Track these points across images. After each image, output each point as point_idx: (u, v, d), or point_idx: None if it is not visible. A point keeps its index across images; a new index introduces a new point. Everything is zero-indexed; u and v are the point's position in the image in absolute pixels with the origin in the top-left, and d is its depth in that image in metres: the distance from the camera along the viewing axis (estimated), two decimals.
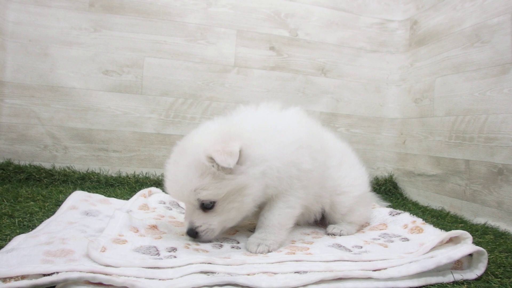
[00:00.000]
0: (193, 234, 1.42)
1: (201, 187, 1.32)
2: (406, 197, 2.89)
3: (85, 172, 2.52)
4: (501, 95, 2.09)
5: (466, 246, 1.30)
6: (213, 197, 1.36)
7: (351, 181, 1.79)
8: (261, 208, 1.52)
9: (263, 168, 1.40)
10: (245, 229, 1.69)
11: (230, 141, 1.34)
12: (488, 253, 1.34)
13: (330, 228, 1.72)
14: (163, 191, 2.19)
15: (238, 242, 1.50)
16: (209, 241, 1.45)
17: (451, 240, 1.39)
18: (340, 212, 1.73)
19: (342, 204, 1.73)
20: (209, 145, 1.33)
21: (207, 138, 1.39)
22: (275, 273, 1.17)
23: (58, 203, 1.84)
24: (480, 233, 1.89)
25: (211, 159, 1.30)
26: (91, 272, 1.03)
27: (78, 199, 1.82)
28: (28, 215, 1.65)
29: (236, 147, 1.32)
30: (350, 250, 1.44)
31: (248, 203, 1.42)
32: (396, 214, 1.88)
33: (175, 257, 1.24)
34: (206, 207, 1.38)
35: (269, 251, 1.40)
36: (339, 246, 1.48)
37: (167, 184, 1.41)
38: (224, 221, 1.43)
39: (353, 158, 1.90)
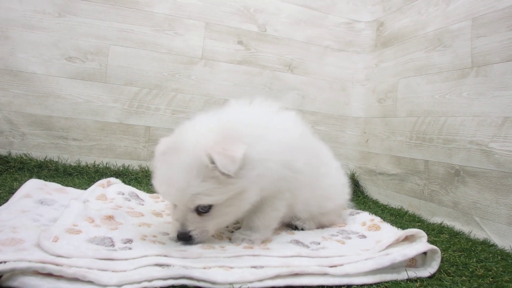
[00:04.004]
0: (186, 238, 1.33)
1: (202, 193, 1.25)
2: (367, 195, 2.94)
3: (42, 160, 2.45)
4: (460, 98, 2.15)
5: (421, 244, 1.33)
6: (214, 202, 1.29)
7: (340, 189, 1.84)
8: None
9: (260, 170, 1.33)
10: None
11: (232, 142, 1.27)
12: (442, 252, 1.37)
13: (294, 220, 1.73)
14: (123, 181, 2.17)
15: None
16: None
17: (407, 239, 1.42)
18: (313, 213, 1.74)
19: (323, 208, 1.74)
20: (210, 145, 1.25)
21: (206, 136, 1.29)
22: (231, 267, 1.17)
23: (12, 191, 1.78)
24: (436, 232, 1.94)
25: (212, 162, 1.23)
26: (40, 262, 1.00)
27: (33, 187, 1.77)
28: None
29: (239, 152, 1.25)
30: (308, 246, 1.45)
31: (244, 207, 1.37)
32: (356, 213, 1.92)
33: (130, 248, 1.22)
34: (202, 210, 1.32)
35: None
36: (297, 242, 1.49)
37: (159, 186, 1.31)
38: (218, 224, 1.39)
39: (339, 166, 1.92)
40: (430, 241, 1.38)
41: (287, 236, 1.59)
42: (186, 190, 1.24)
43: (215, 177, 1.25)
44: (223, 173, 1.23)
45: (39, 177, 2.08)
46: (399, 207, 2.53)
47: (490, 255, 1.60)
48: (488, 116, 1.96)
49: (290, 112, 1.63)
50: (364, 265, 1.23)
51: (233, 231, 1.56)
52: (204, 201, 1.28)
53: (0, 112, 2.44)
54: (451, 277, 1.29)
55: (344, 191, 1.87)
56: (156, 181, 1.32)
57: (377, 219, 1.77)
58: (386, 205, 2.60)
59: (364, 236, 1.62)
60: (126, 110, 2.68)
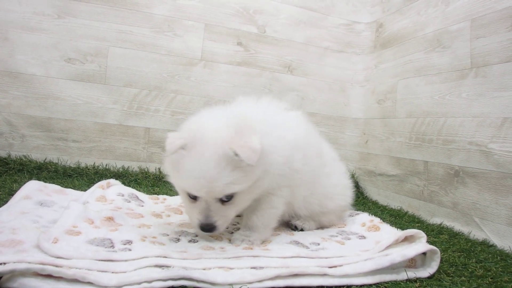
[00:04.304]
0: (211, 228, 1.37)
1: (233, 182, 1.30)
2: (366, 196, 2.94)
3: (42, 162, 2.45)
4: (459, 99, 2.15)
5: (420, 245, 1.33)
6: (241, 189, 1.34)
7: (342, 191, 1.86)
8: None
9: (269, 160, 1.41)
10: None
11: (249, 135, 1.34)
12: (441, 252, 1.38)
13: (294, 220, 1.74)
14: (122, 183, 2.17)
15: (196, 236, 1.49)
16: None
17: (407, 239, 1.42)
18: (314, 211, 1.75)
19: (324, 207, 1.76)
20: (232, 139, 1.31)
21: (225, 131, 1.35)
22: (231, 268, 1.17)
23: (12, 193, 1.78)
24: (436, 233, 1.94)
25: (236, 154, 1.28)
26: (40, 264, 1.00)
27: (32, 189, 1.76)
28: None
29: (258, 144, 1.31)
30: (307, 247, 1.46)
31: (258, 193, 1.44)
32: (355, 214, 1.92)
33: (130, 250, 1.22)
34: (226, 199, 1.36)
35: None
36: (297, 243, 1.49)
37: (187, 179, 1.33)
38: (237, 211, 1.44)
39: (343, 167, 1.95)
40: (429, 242, 1.39)
41: (287, 237, 1.59)
42: (218, 181, 1.29)
43: (241, 167, 1.31)
44: (247, 163, 1.29)
45: (38, 179, 2.09)
46: (399, 207, 2.53)
47: (490, 255, 1.61)
48: (488, 117, 1.96)
49: (296, 111, 1.71)
50: (363, 265, 1.24)
51: (233, 232, 1.57)
52: (233, 189, 1.33)
53: (0, 114, 2.44)
54: (450, 278, 1.29)
55: (346, 193, 1.88)
56: (181, 175, 1.34)
57: (377, 220, 1.78)
58: (385, 206, 2.60)
59: (363, 237, 1.62)
60: (125, 112, 2.68)
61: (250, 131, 1.36)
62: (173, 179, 1.42)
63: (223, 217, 1.38)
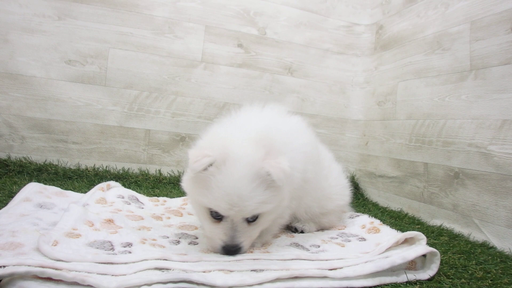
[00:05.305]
0: (236, 250, 1.33)
1: (264, 201, 1.29)
2: (366, 198, 2.94)
3: (42, 164, 2.45)
4: (459, 101, 2.15)
5: (420, 247, 1.33)
6: (271, 209, 1.34)
7: (340, 190, 1.87)
8: None
9: (292, 179, 1.41)
10: None
11: (277, 155, 1.32)
12: (441, 254, 1.38)
13: (294, 222, 1.75)
14: (122, 185, 2.17)
15: (197, 238, 1.49)
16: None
17: (407, 241, 1.42)
18: (314, 214, 1.75)
19: (323, 208, 1.76)
20: (263, 159, 1.29)
21: (252, 148, 1.32)
22: (231, 271, 1.17)
23: (12, 195, 1.78)
24: (436, 235, 1.94)
25: (269, 174, 1.27)
26: (40, 267, 1.00)
27: (32, 191, 1.77)
28: None
29: (287, 165, 1.29)
30: (307, 249, 1.46)
31: (277, 213, 1.44)
32: (355, 216, 1.92)
33: (130, 252, 1.22)
34: (251, 220, 1.34)
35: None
36: (297, 245, 1.50)
37: (219, 197, 1.27)
38: (260, 231, 1.42)
39: (339, 168, 1.96)
40: (429, 244, 1.39)
41: (287, 239, 1.59)
42: (251, 199, 1.27)
43: (272, 187, 1.30)
44: (278, 184, 1.29)
45: (38, 181, 2.09)
46: (399, 209, 2.53)
47: (490, 257, 1.61)
48: (487, 119, 1.96)
49: (297, 118, 1.70)
50: (363, 268, 1.24)
51: None
52: (264, 208, 1.31)
53: (0, 115, 2.44)
54: (450, 280, 1.30)
55: (344, 192, 1.89)
56: (209, 193, 1.29)
57: (377, 222, 1.78)
58: (385, 208, 2.60)
59: (363, 239, 1.62)
60: (126, 113, 2.68)
61: (277, 151, 1.35)
62: (197, 196, 1.35)
63: (248, 238, 1.36)
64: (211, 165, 1.27)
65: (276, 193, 1.32)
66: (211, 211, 1.33)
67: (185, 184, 1.43)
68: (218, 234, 1.34)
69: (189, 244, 1.42)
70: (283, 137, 1.47)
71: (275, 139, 1.41)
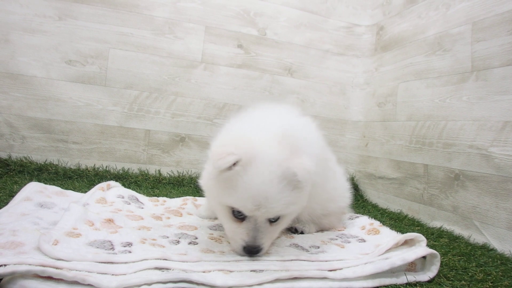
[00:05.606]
0: (257, 251, 1.31)
1: (290, 202, 1.29)
2: (366, 199, 2.94)
3: (42, 163, 2.45)
4: (460, 102, 2.15)
5: (420, 248, 1.33)
6: (296, 210, 1.34)
7: (342, 193, 1.86)
8: None
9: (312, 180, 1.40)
10: (205, 226, 1.68)
11: (302, 155, 1.30)
12: (441, 256, 1.38)
13: (294, 223, 1.73)
14: (122, 185, 2.17)
15: (196, 238, 1.49)
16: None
17: (406, 243, 1.42)
18: (316, 215, 1.74)
19: (325, 209, 1.75)
20: (289, 159, 1.27)
21: (277, 147, 1.29)
22: (231, 271, 1.18)
23: (12, 194, 1.78)
24: (436, 236, 1.94)
25: (295, 174, 1.25)
26: (40, 266, 1.00)
27: (33, 190, 1.77)
28: None
29: (311, 165, 1.28)
30: (307, 250, 1.45)
31: (297, 213, 1.46)
32: (355, 217, 1.92)
33: (130, 252, 1.22)
34: (273, 220, 1.34)
35: None
36: (297, 246, 1.49)
37: (245, 197, 1.25)
38: (280, 231, 1.43)
39: (341, 169, 1.95)
40: (429, 245, 1.39)
41: (287, 240, 1.59)
42: (278, 200, 1.26)
43: (298, 188, 1.29)
44: (302, 184, 1.28)
45: (39, 180, 2.09)
46: (399, 211, 2.53)
47: (490, 259, 1.60)
48: (488, 121, 1.96)
49: (306, 118, 1.64)
50: (363, 269, 1.24)
51: None
52: (290, 209, 1.31)
53: (1, 115, 2.44)
54: (450, 282, 1.29)
55: (345, 194, 1.88)
56: (234, 192, 1.27)
57: (377, 223, 1.78)
58: (385, 209, 2.60)
59: (363, 240, 1.62)
60: (126, 114, 2.68)
61: (302, 152, 1.33)
62: (220, 196, 1.33)
63: (269, 239, 1.35)
64: (235, 163, 1.24)
65: (300, 194, 1.32)
66: (233, 211, 1.31)
67: (204, 182, 1.43)
68: (240, 234, 1.32)
69: (189, 244, 1.42)
70: (303, 136, 1.45)
71: (298, 138, 1.39)
